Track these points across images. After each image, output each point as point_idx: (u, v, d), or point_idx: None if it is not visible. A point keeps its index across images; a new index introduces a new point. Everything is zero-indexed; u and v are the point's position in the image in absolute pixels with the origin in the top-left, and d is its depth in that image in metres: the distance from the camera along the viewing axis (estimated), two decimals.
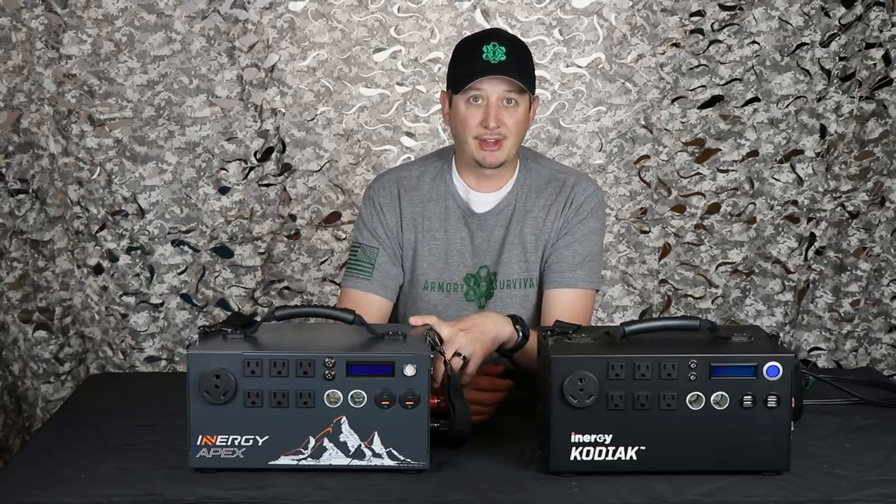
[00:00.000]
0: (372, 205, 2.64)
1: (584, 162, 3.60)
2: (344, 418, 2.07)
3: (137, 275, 3.62)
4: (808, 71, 3.57)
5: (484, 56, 2.48)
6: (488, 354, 2.35)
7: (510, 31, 3.49)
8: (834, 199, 3.65)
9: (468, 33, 2.82)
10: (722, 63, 3.57)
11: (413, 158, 3.43)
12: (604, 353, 2.07)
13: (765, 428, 2.06)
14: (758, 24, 3.55)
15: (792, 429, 2.07)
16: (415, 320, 2.29)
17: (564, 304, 2.56)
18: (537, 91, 3.52)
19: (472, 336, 2.31)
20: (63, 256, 3.62)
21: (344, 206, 3.62)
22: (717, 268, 3.69)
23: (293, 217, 3.63)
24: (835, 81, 3.58)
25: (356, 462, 2.08)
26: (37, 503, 2.01)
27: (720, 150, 3.63)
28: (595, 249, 2.62)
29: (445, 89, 2.59)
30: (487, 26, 3.48)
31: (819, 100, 3.59)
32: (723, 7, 3.55)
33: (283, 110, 3.57)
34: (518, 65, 2.50)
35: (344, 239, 3.62)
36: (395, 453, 2.08)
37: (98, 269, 3.62)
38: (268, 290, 3.66)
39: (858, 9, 3.53)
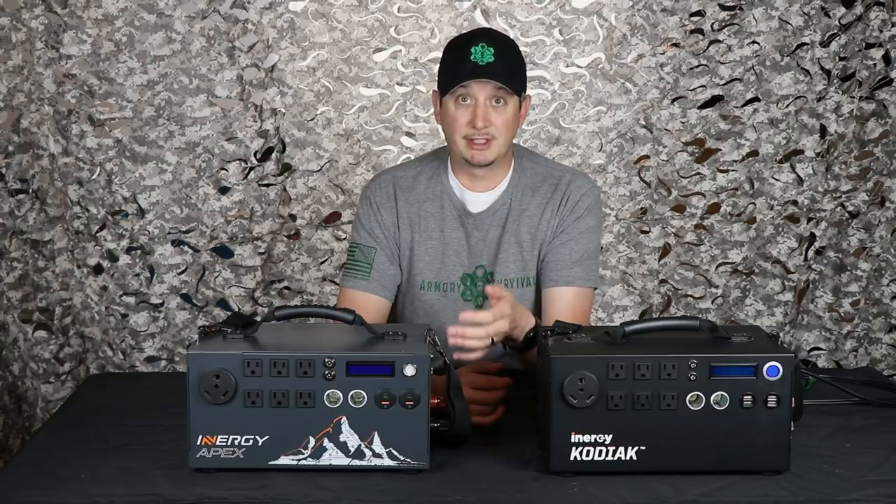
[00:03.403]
0: (369, 205, 2.65)
1: (584, 162, 3.60)
2: (344, 418, 2.07)
3: (137, 275, 3.62)
4: (808, 71, 3.57)
5: (472, 57, 2.47)
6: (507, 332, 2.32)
7: (510, 31, 3.50)
8: (834, 199, 3.65)
9: None
10: (722, 63, 3.57)
11: (413, 158, 3.43)
12: (604, 353, 2.07)
13: (765, 428, 2.06)
14: (758, 24, 3.55)
15: (792, 429, 2.07)
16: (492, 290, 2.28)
17: (563, 303, 2.56)
18: (537, 90, 3.57)
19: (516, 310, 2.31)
20: (63, 256, 3.62)
21: (344, 206, 3.62)
22: (717, 268, 3.69)
23: (293, 217, 3.63)
24: (835, 81, 3.58)
25: (356, 462, 2.08)
26: (37, 503, 2.01)
27: (720, 150, 3.63)
28: (592, 247, 2.62)
29: (436, 88, 2.59)
30: (488, 27, 3.48)
31: (819, 100, 3.59)
32: (723, 7, 3.55)
33: (283, 110, 3.57)
34: (506, 66, 2.50)
35: (344, 239, 3.62)
36: (395, 453, 2.08)
37: (98, 269, 3.62)
38: (268, 290, 3.67)
39: (858, 9, 3.53)
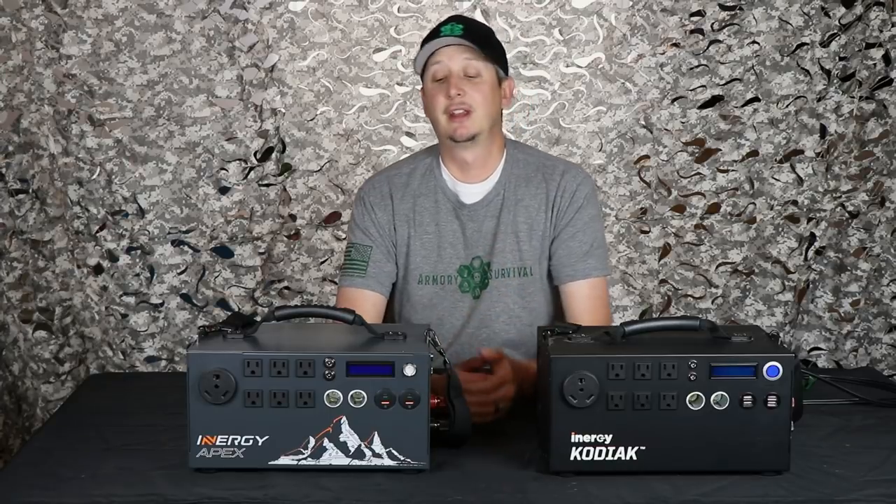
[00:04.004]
0: (363, 205, 2.67)
1: (584, 162, 3.60)
2: (344, 418, 2.07)
3: (137, 275, 3.62)
4: (808, 71, 3.57)
5: (442, 34, 2.55)
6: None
7: (510, 31, 3.50)
8: (834, 199, 3.65)
9: None
10: (722, 63, 3.57)
11: (406, 157, 3.44)
12: (604, 353, 2.07)
13: (765, 428, 2.06)
14: (758, 24, 3.55)
15: (792, 429, 2.07)
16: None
17: (583, 296, 2.60)
18: (536, 90, 3.56)
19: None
20: (63, 256, 3.62)
21: (344, 206, 3.62)
22: (717, 268, 3.69)
23: (293, 217, 3.63)
24: (835, 81, 3.58)
25: (356, 462, 2.08)
26: (37, 503, 2.01)
27: (720, 150, 3.63)
28: (599, 236, 2.65)
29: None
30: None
31: (819, 100, 3.59)
32: (723, 7, 3.55)
33: (283, 110, 3.57)
34: (476, 38, 2.56)
35: (343, 239, 3.62)
36: (395, 453, 2.08)
37: (98, 269, 3.62)
38: (268, 290, 3.67)
39: (858, 9, 3.53)
